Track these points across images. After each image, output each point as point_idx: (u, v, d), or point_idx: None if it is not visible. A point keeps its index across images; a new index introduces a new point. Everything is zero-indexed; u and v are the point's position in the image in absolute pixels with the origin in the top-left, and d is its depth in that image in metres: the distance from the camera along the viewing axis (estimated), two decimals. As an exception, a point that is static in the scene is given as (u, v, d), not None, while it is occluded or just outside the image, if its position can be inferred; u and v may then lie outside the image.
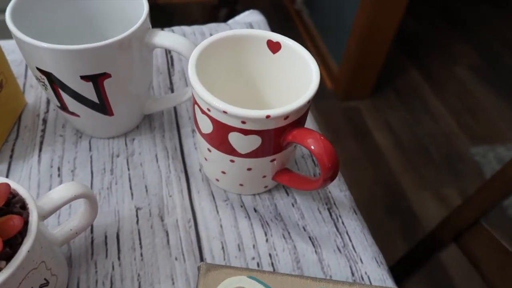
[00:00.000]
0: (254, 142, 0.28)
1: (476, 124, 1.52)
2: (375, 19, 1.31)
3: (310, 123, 0.41)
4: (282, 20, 1.86)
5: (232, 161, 0.30)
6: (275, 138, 0.28)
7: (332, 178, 0.28)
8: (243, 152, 0.29)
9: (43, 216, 0.24)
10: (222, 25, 0.51)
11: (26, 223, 0.22)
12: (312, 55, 0.30)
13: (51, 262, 0.24)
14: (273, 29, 0.41)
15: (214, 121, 0.28)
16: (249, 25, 0.51)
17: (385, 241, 1.17)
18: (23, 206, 0.23)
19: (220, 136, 0.29)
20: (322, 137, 0.27)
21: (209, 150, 0.31)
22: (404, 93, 1.63)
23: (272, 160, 0.31)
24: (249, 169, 0.31)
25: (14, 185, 0.24)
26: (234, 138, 0.28)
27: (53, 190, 0.25)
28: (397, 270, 0.70)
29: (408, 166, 1.37)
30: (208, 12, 1.75)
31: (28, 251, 0.21)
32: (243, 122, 0.27)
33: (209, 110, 0.27)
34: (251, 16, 0.54)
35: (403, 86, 1.66)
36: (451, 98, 1.62)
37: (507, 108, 1.58)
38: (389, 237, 1.18)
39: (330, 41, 1.60)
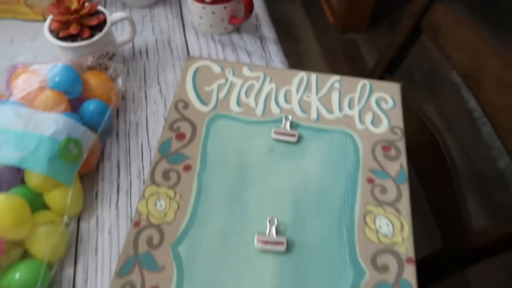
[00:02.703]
0: (213, -6, 0.55)
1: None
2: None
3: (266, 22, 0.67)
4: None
5: (203, 8, 0.57)
6: (223, -9, 0.55)
7: (250, 12, 0.54)
8: (208, 0, 0.56)
9: (111, 23, 0.52)
10: None
11: (105, 21, 0.50)
12: None
13: (114, 49, 0.53)
14: None
15: (191, -18, 0.54)
16: None
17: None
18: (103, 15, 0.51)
19: (195, -9, 0.55)
20: (246, -11, 0.54)
21: (192, 3, 0.57)
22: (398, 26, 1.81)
23: (225, 7, 0.57)
24: (213, 13, 0.57)
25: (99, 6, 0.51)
26: (202, -8, 0.55)
27: (113, 14, 0.53)
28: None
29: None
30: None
31: (107, 29, 0.49)
32: (204, -20, 0.53)
33: (188, -25, 0.54)
34: None
35: (398, 19, 1.83)
36: (444, 30, 1.78)
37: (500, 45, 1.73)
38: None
39: (330, -21, 1.79)
